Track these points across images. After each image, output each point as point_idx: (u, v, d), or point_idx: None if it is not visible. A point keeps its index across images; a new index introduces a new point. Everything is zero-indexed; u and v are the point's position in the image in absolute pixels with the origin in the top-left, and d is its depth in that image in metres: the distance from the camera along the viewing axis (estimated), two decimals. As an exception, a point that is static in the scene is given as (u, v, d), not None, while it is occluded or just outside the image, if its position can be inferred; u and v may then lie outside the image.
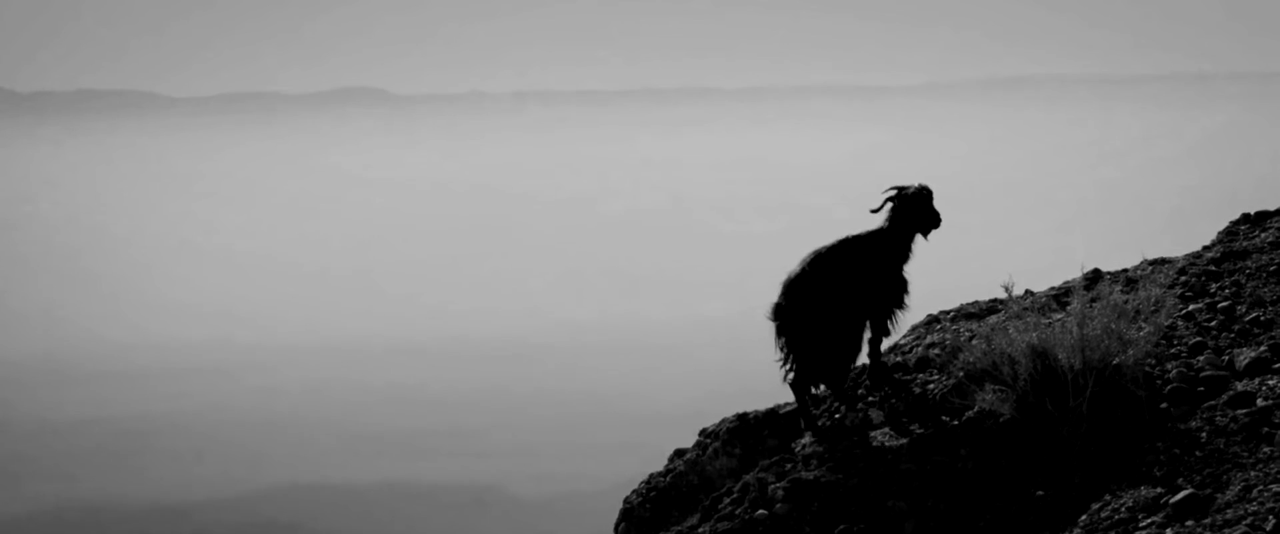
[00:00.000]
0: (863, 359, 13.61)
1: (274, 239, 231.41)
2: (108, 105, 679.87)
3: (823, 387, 13.64)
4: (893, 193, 13.56)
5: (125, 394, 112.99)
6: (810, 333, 13.27)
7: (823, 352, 13.29)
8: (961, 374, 13.11)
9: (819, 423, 13.51)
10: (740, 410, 14.19)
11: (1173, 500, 11.41)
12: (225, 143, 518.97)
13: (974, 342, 13.33)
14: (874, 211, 13.54)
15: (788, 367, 13.37)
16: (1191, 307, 13.55)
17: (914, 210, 13.50)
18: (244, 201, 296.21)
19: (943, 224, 13.58)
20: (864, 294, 13.36)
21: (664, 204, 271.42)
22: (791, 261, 13.39)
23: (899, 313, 13.57)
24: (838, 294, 13.26)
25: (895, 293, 13.52)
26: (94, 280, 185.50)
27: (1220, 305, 13.46)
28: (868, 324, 13.49)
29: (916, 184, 13.54)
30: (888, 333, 13.61)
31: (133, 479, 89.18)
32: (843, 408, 13.53)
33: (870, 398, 13.53)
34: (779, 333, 13.35)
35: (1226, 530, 10.84)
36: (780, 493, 12.76)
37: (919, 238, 13.61)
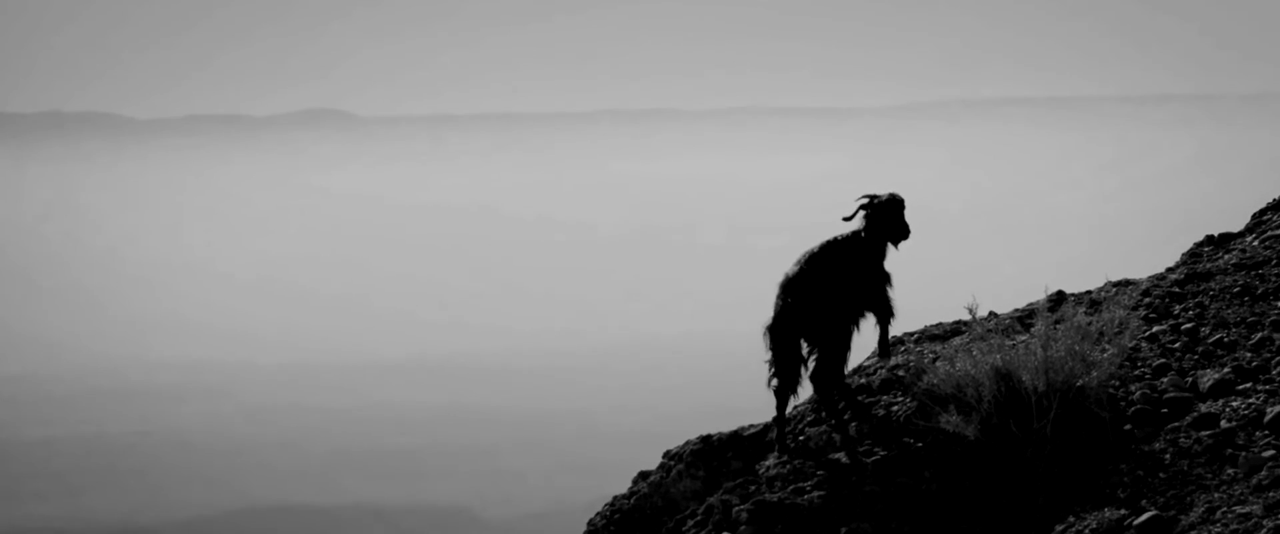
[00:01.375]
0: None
1: (255, 259, 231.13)
2: (75, 127, 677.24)
3: (801, 401, 13.69)
4: (865, 200, 13.68)
5: (94, 414, 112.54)
6: (813, 329, 13.35)
7: (825, 348, 13.38)
8: (926, 396, 13.08)
9: (788, 443, 13.50)
10: (704, 432, 14.15)
11: (1136, 522, 11.40)
12: (201, 163, 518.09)
13: (938, 363, 13.30)
14: (847, 219, 13.68)
15: (773, 371, 13.40)
16: (1155, 328, 13.53)
17: (886, 218, 13.63)
18: (225, 222, 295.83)
19: (911, 236, 13.70)
20: (855, 291, 13.50)
21: (640, 224, 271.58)
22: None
23: (891, 294, 13.72)
24: (834, 291, 13.38)
25: (881, 282, 13.66)
26: (74, 299, 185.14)
27: (1184, 327, 13.45)
28: (868, 315, 13.66)
29: (887, 193, 13.65)
30: (893, 314, 13.76)
31: (104, 500, 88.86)
32: (808, 430, 13.50)
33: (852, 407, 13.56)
34: (777, 333, 13.39)
35: (1189, 552, 10.85)
36: (744, 515, 12.72)
37: (889, 246, 13.73)
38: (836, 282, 13.37)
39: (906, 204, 13.71)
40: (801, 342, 13.35)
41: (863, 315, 13.58)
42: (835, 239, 13.56)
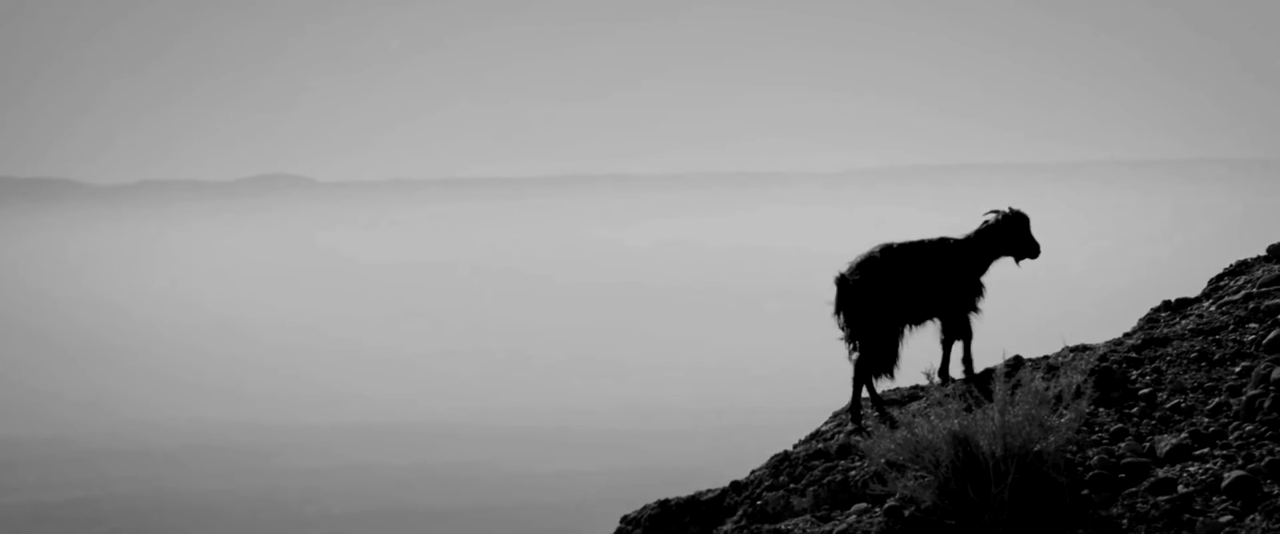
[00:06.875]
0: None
1: (235, 320, 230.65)
2: (24, 193, 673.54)
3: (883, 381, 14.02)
4: (991, 214, 14.17)
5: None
6: (867, 313, 13.70)
7: (871, 334, 13.73)
8: (883, 461, 13.05)
9: (863, 424, 13.86)
10: (662, 497, 14.09)
11: (1094, 588, 11.36)
12: (162, 228, 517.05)
13: (896, 429, 13.29)
14: (974, 233, 14.15)
15: (852, 345, 13.81)
16: (1112, 393, 13.54)
17: (1003, 232, 14.11)
18: (190, 285, 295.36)
19: (1040, 255, 14.16)
20: (929, 293, 13.88)
21: (603, 286, 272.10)
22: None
23: (972, 315, 14.13)
24: (901, 285, 13.77)
25: (967, 296, 14.06)
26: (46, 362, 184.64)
27: (1141, 392, 13.46)
28: (931, 323, 14.07)
29: (1010, 207, 14.13)
30: (963, 334, 14.12)
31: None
32: (765, 494, 13.44)
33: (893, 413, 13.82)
34: (840, 307, 13.74)
35: (1147, 618, 10.81)
36: (701, 581, 12.65)
37: (1011, 261, 14.26)
38: (909, 278, 13.75)
39: (1029, 220, 14.17)
40: (874, 314, 13.70)
41: (922, 319, 13.94)
42: (927, 240, 13.94)
